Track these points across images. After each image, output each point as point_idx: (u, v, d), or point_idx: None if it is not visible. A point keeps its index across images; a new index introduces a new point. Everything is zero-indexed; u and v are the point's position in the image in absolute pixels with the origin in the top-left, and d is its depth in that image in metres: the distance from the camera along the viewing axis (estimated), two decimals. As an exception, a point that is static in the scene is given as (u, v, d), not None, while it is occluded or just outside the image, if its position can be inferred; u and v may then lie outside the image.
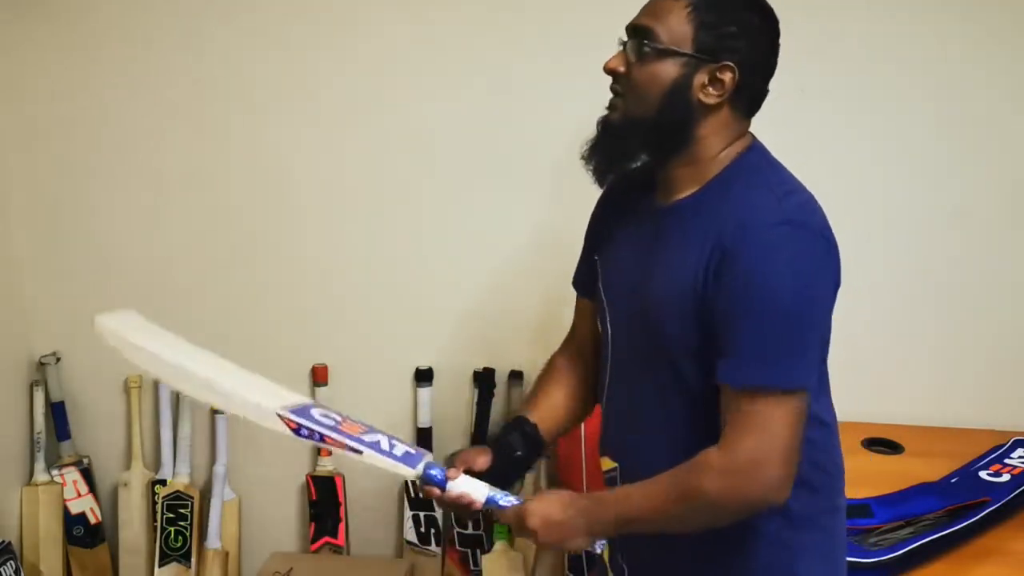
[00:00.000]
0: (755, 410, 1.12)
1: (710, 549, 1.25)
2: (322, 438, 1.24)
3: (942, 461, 1.87)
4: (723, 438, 1.14)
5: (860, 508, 1.61)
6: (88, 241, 2.35)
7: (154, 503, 2.38)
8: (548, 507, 1.22)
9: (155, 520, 2.37)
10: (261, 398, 1.28)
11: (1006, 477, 1.79)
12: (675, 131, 1.22)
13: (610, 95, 1.27)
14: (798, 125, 1.89)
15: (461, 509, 1.29)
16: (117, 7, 2.22)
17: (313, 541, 2.38)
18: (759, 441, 1.12)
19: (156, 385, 2.38)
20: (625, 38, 1.25)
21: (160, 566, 2.36)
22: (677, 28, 1.19)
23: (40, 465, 2.36)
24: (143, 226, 2.32)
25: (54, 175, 2.32)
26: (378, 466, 1.26)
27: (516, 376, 2.28)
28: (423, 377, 2.30)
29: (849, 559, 1.40)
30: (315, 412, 1.27)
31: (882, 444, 1.97)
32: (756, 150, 1.26)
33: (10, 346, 2.35)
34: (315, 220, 2.28)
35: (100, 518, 2.42)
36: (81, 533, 2.40)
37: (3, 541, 2.23)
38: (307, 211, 2.28)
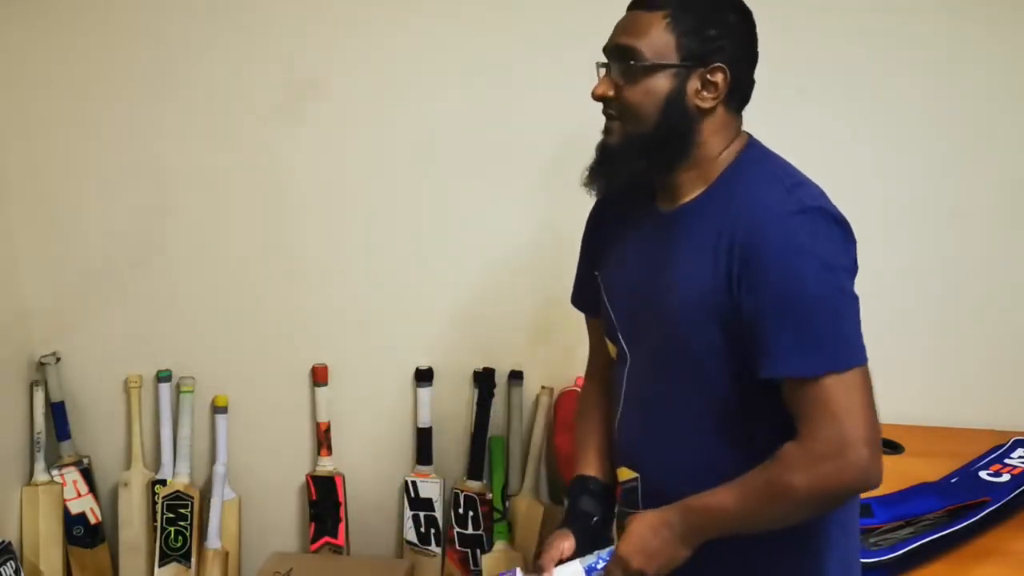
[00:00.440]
0: (825, 396, 1.11)
1: (734, 548, 1.24)
2: None
3: (942, 461, 1.87)
4: (800, 431, 1.14)
5: (860, 508, 1.60)
6: (88, 241, 2.35)
7: (154, 503, 2.38)
8: (641, 541, 1.21)
9: (155, 520, 2.37)
10: None
11: (1006, 477, 1.79)
12: (677, 141, 1.22)
13: (601, 118, 1.27)
14: (797, 125, 1.89)
15: None
16: (119, 9, 2.22)
17: (313, 541, 2.38)
18: (838, 425, 1.11)
19: (156, 385, 2.38)
20: (604, 61, 1.25)
21: (160, 566, 2.36)
22: (659, 41, 1.20)
23: (40, 465, 2.36)
24: (143, 227, 2.32)
25: (54, 175, 2.32)
26: None
27: (516, 376, 2.28)
28: (423, 377, 2.30)
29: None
30: None
31: (882, 444, 1.97)
32: (754, 146, 1.27)
33: (10, 346, 2.35)
34: (315, 220, 2.28)
35: (100, 518, 2.42)
36: (81, 533, 2.40)
37: (3, 541, 2.23)
38: (307, 211, 2.28)
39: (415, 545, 2.35)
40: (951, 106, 2.02)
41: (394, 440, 2.36)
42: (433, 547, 2.34)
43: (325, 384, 2.34)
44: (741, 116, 1.27)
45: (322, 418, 2.35)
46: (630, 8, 1.25)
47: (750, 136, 1.28)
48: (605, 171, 1.27)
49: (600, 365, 1.47)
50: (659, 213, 1.28)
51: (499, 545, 2.27)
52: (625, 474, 1.36)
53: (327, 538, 2.38)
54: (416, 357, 2.32)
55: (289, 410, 2.37)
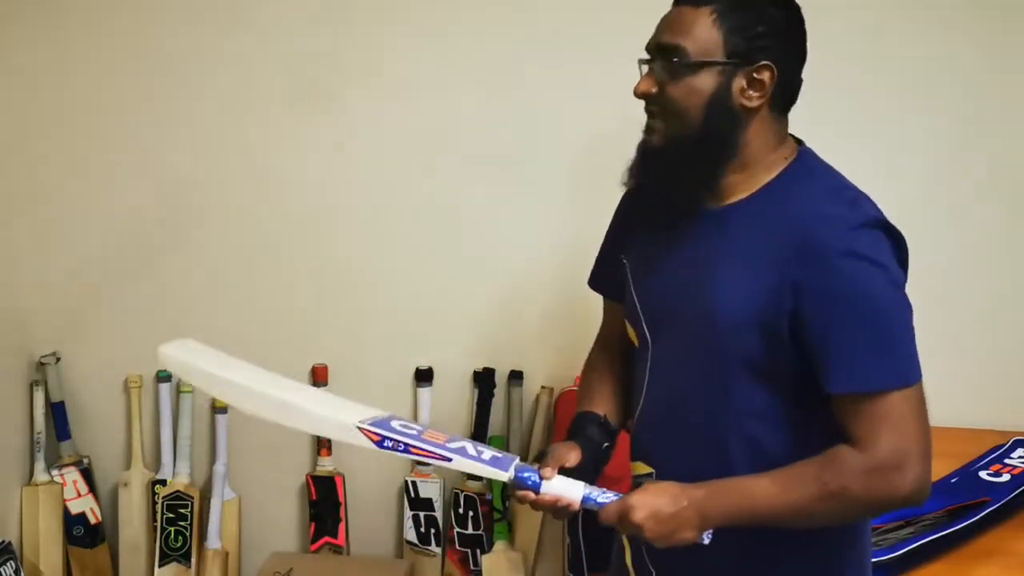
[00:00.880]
0: (886, 410, 1.12)
1: (749, 551, 1.24)
2: (407, 449, 1.21)
3: (942, 461, 1.84)
4: (858, 439, 1.13)
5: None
6: (89, 241, 2.35)
7: (154, 503, 2.38)
8: (656, 500, 1.15)
9: (155, 520, 2.37)
10: (339, 413, 1.26)
11: (1006, 477, 1.79)
12: (721, 141, 1.20)
13: (636, 104, 1.25)
14: (796, 125, 1.89)
15: (557, 511, 1.23)
16: (121, 10, 2.22)
17: (313, 541, 2.38)
18: (900, 439, 1.11)
19: (156, 385, 2.38)
20: (645, 58, 1.23)
21: (160, 566, 2.36)
22: (705, 38, 1.17)
23: (40, 465, 2.36)
24: (144, 227, 2.32)
25: (54, 175, 2.32)
26: (470, 472, 1.23)
27: (516, 376, 2.28)
28: (423, 377, 2.30)
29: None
30: (395, 424, 1.25)
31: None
32: (808, 154, 1.26)
33: (10, 346, 2.35)
34: (315, 220, 2.28)
35: (100, 518, 2.42)
36: (81, 533, 2.40)
37: (3, 541, 2.23)
38: (308, 211, 2.28)
39: (415, 545, 2.35)
40: (951, 106, 2.02)
41: (394, 440, 2.36)
42: (433, 547, 2.34)
43: (325, 384, 2.34)
44: (787, 117, 1.25)
45: (322, 418, 2.35)
46: (676, 3, 1.22)
47: (802, 142, 1.27)
48: (647, 171, 1.25)
49: (610, 341, 1.45)
50: (703, 209, 1.25)
51: (499, 545, 2.27)
52: (640, 468, 1.34)
53: (327, 538, 2.38)
54: (416, 357, 2.32)
55: (289, 410, 2.37)
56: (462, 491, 2.31)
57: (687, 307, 1.24)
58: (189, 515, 2.35)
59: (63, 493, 2.37)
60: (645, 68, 1.23)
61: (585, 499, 1.20)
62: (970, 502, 1.68)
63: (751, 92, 1.18)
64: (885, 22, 2.00)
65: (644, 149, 1.25)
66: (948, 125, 2.04)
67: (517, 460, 1.23)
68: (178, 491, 2.36)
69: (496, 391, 2.29)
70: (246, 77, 2.22)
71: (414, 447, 1.21)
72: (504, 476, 1.21)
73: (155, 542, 2.37)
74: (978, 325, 2.11)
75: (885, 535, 1.59)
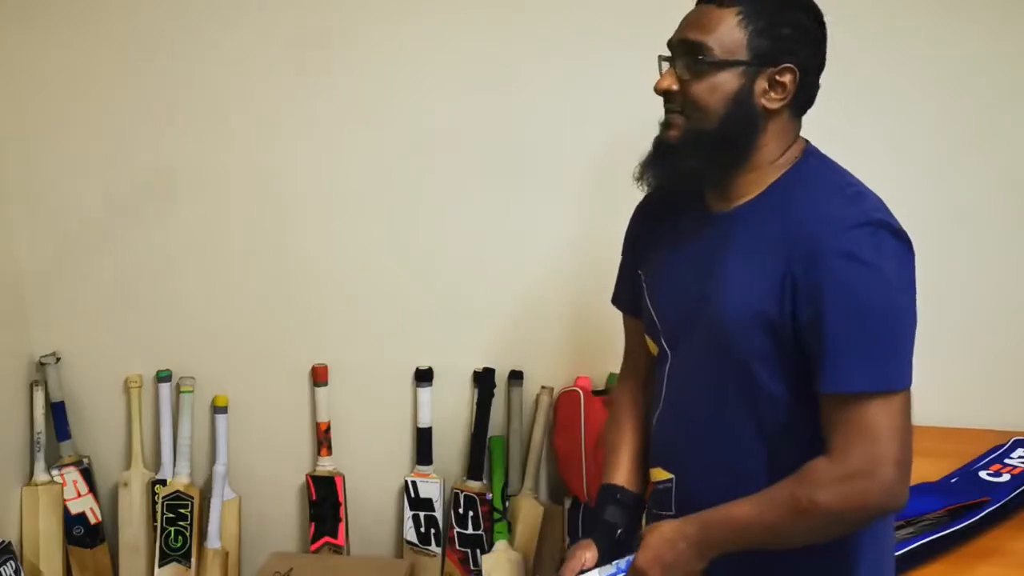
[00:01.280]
0: (862, 416, 1.10)
1: (765, 557, 1.23)
2: None
3: (942, 461, 1.86)
4: (832, 446, 1.12)
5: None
6: (88, 241, 2.35)
7: (154, 503, 2.38)
8: (658, 552, 1.20)
9: (155, 520, 2.37)
10: None
11: (1006, 477, 1.79)
12: (739, 141, 1.20)
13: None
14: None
15: None
16: (120, 9, 2.22)
17: (313, 541, 2.38)
18: (871, 446, 1.10)
19: (156, 385, 2.38)
20: (666, 55, 1.23)
21: (160, 566, 2.36)
22: (730, 37, 1.17)
23: (40, 465, 2.36)
24: (143, 226, 2.32)
25: (54, 175, 2.32)
26: None
27: (516, 376, 2.28)
28: (423, 377, 2.30)
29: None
30: None
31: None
32: (812, 153, 1.25)
33: (10, 346, 2.35)
34: (315, 220, 2.28)
35: (100, 518, 2.42)
36: (81, 533, 2.40)
37: (3, 541, 2.23)
38: (308, 211, 2.28)
39: (415, 545, 2.35)
40: (954, 105, 2.02)
41: (394, 440, 2.36)
42: (433, 547, 2.34)
43: (325, 384, 2.34)
44: (801, 121, 1.25)
45: (322, 418, 2.35)
46: (700, 2, 1.22)
47: (807, 141, 1.27)
48: (662, 166, 1.24)
49: (635, 368, 1.45)
50: (710, 214, 1.26)
51: (499, 545, 2.27)
52: (659, 475, 1.34)
53: (327, 538, 2.38)
54: (416, 357, 2.31)
55: (289, 410, 2.37)
56: (462, 491, 2.31)
57: (698, 313, 1.24)
58: (189, 515, 2.35)
59: (63, 493, 2.37)
60: (666, 65, 1.23)
61: None
62: (970, 502, 1.68)
63: (772, 94, 1.19)
64: (886, 20, 2.00)
65: (660, 144, 1.25)
66: (950, 124, 2.03)
67: None
68: (178, 491, 2.36)
69: (496, 391, 2.29)
70: (246, 77, 2.22)
71: None
72: None
73: (155, 542, 2.37)
74: (978, 325, 2.11)
75: (885, 535, 1.59)
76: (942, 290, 2.09)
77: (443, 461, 2.34)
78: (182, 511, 2.35)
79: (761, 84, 1.18)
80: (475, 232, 2.23)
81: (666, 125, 1.24)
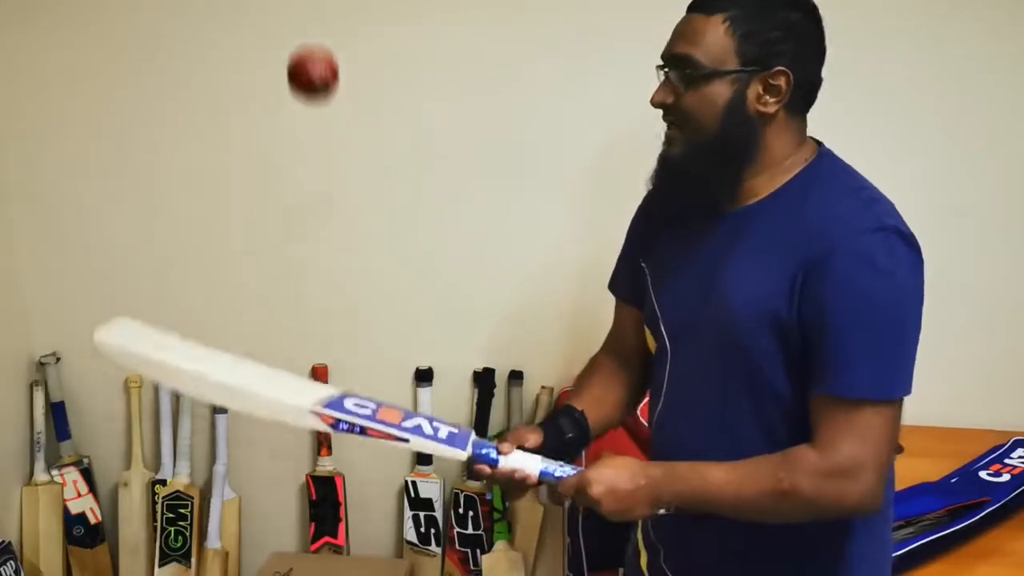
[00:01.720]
0: (857, 418, 1.11)
1: (764, 555, 1.24)
2: (363, 431, 1.18)
3: (942, 461, 1.87)
4: (820, 440, 1.13)
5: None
6: (88, 241, 2.35)
7: (154, 503, 2.38)
8: (613, 476, 1.17)
9: (155, 520, 2.37)
10: (291, 397, 1.24)
11: (1006, 477, 1.79)
12: (740, 148, 1.19)
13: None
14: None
15: (514, 485, 1.23)
16: (120, 9, 2.21)
17: (313, 541, 2.38)
18: (860, 448, 1.11)
19: (156, 385, 2.38)
20: (661, 66, 1.22)
21: (160, 566, 2.36)
22: (718, 46, 1.16)
23: (40, 465, 2.36)
24: (143, 226, 2.32)
25: (54, 175, 2.32)
26: (427, 452, 1.22)
27: (516, 376, 2.28)
28: (423, 377, 2.30)
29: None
30: (349, 403, 1.21)
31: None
32: (827, 155, 1.24)
33: (10, 346, 2.35)
34: (315, 220, 2.28)
35: (100, 518, 2.42)
36: (81, 533, 2.40)
37: (3, 541, 2.23)
38: (308, 211, 2.28)
39: (415, 545, 2.35)
40: (955, 104, 2.02)
41: (394, 440, 2.36)
42: (433, 547, 2.34)
43: (325, 384, 2.33)
44: (805, 117, 1.24)
45: (322, 418, 2.35)
46: (689, 9, 1.21)
47: (821, 143, 1.26)
48: (669, 182, 1.25)
49: (618, 346, 1.44)
50: (721, 212, 1.25)
51: (499, 545, 2.27)
52: None
53: (327, 538, 2.38)
54: (416, 357, 2.32)
55: (289, 410, 2.37)
56: (462, 491, 2.31)
57: (705, 310, 1.23)
58: (189, 515, 2.35)
59: (63, 493, 2.37)
60: (663, 76, 1.22)
61: (543, 473, 1.20)
62: (970, 502, 1.68)
63: (767, 98, 1.17)
64: (886, 20, 2.00)
65: (664, 159, 1.25)
66: (952, 124, 2.04)
67: (474, 435, 1.22)
68: (178, 491, 2.36)
69: (496, 391, 2.29)
70: (246, 77, 2.21)
71: (370, 429, 1.19)
72: (462, 455, 1.20)
73: (155, 542, 2.37)
74: (979, 325, 2.11)
75: (885, 535, 1.60)
76: (942, 290, 2.06)
77: (443, 461, 2.34)
78: (182, 511, 2.35)
79: (755, 90, 1.17)
80: (475, 232, 2.23)
81: (667, 140, 1.24)
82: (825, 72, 1.24)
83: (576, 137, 2.12)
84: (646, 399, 1.43)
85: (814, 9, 1.21)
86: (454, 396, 2.32)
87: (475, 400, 2.30)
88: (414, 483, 2.33)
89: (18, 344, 2.37)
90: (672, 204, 1.29)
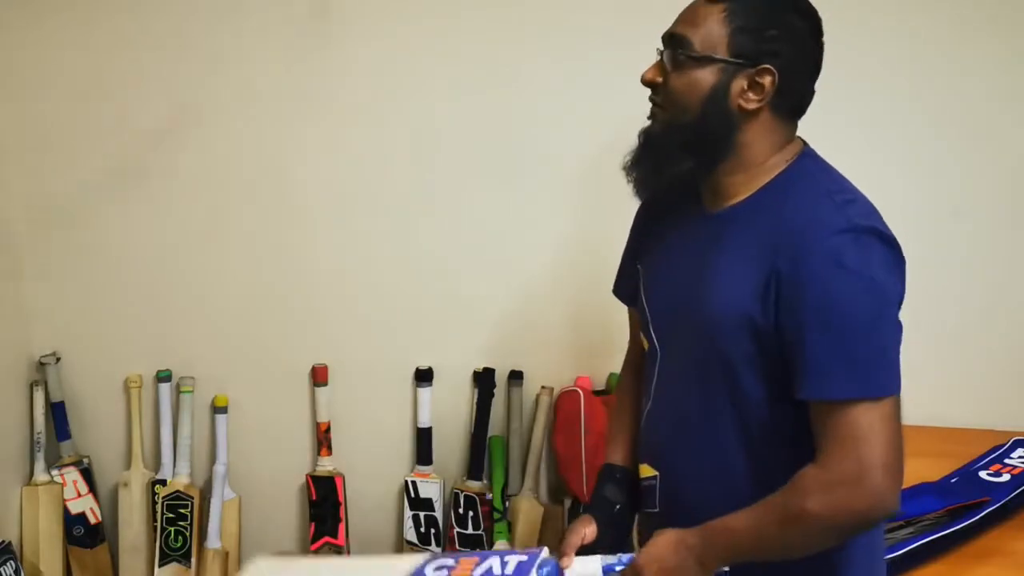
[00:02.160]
0: (849, 422, 1.10)
1: (751, 563, 1.23)
2: None
3: (942, 461, 1.87)
4: (820, 454, 1.12)
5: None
6: (88, 241, 2.35)
7: (154, 503, 2.38)
8: (660, 555, 1.20)
9: (155, 520, 2.37)
10: None
11: (1006, 477, 1.79)
12: (716, 139, 1.19)
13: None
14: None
15: None
16: (122, 9, 2.22)
17: (313, 541, 2.38)
18: (858, 452, 1.09)
19: (156, 385, 2.38)
20: (661, 47, 1.23)
21: (160, 566, 2.36)
22: (713, 34, 1.17)
23: (40, 465, 2.36)
24: (143, 226, 2.32)
25: (54, 175, 2.32)
26: None
27: (516, 376, 2.28)
28: (423, 377, 2.30)
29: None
30: (429, 569, 1.25)
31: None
32: (808, 156, 1.24)
33: (10, 346, 2.35)
34: (315, 220, 2.28)
35: (100, 518, 2.42)
36: (81, 533, 2.40)
37: (3, 541, 2.23)
38: (308, 211, 2.28)
39: (415, 545, 2.35)
40: (951, 104, 2.02)
41: (394, 440, 2.36)
42: (433, 547, 2.34)
43: (325, 384, 2.34)
44: (794, 125, 1.24)
45: (322, 418, 2.35)
46: None
47: (805, 145, 1.26)
48: (646, 158, 1.25)
49: (636, 356, 1.46)
50: (705, 214, 1.26)
51: (499, 545, 2.27)
52: (645, 471, 1.35)
53: (327, 538, 2.38)
54: (416, 357, 2.32)
55: (289, 410, 2.37)
56: (462, 491, 2.31)
57: (687, 312, 1.24)
58: (189, 515, 2.35)
59: (63, 493, 2.37)
60: (658, 55, 1.24)
61: (605, 570, 1.26)
62: (970, 502, 1.68)
63: (750, 94, 1.17)
64: (885, 20, 2.00)
65: (644, 134, 1.26)
66: (948, 123, 2.04)
67: (543, 555, 1.26)
68: (178, 491, 2.36)
69: (496, 391, 2.29)
70: (246, 77, 2.22)
71: None
72: None
73: (155, 542, 2.37)
74: (978, 325, 2.11)
75: (885, 535, 1.59)
76: (942, 289, 2.09)
77: (443, 461, 2.34)
78: (182, 511, 2.35)
79: (739, 83, 1.17)
80: (475, 232, 2.23)
81: (650, 115, 1.25)
82: (824, 72, 1.24)
83: (577, 137, 2.12)
84: None
85: (818, 23, 1.21)
86: (454, 396, 2.32)
87: (475, 400, 2.30)
88: (414, 483, 2.33)
89: (18, 344, 2.37)
90: (646, 184, 1.29)
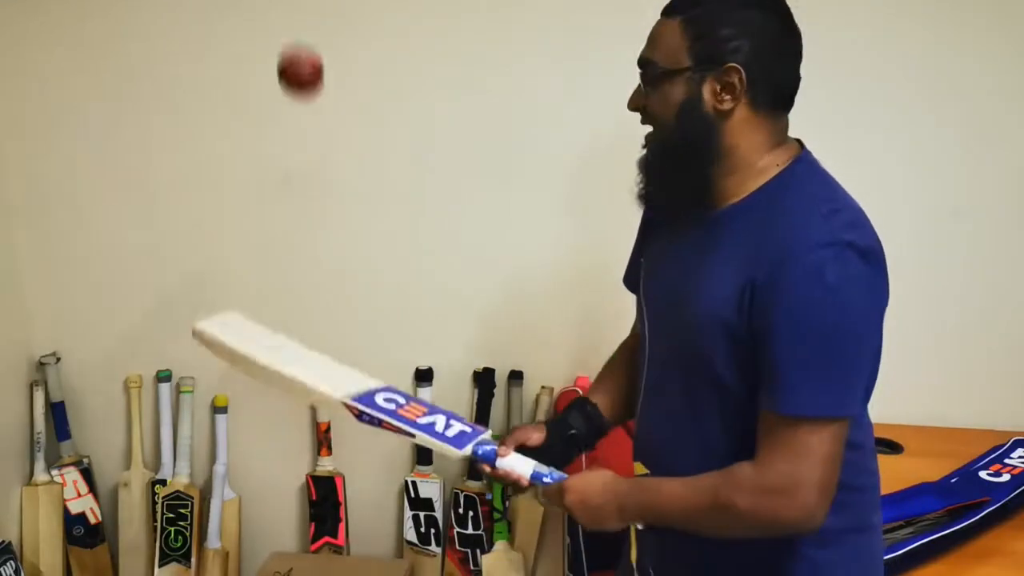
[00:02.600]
0: (794, 436, 1.11)
1: (737, 562, 1.24)
2: (380, 423, 1.31)
3: (942, 461, 1.87)
4: (759, 456, 1.13)
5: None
6: (88, 241, 2.35)
7: (154, 503, 2.38)
8: (587, 487, 1.25)
9: (155, 520, 2.37)
10: (330, 386, 1.39)
11: (1006, 477, 1.79)
12: (702, 144, 1.20)
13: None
14: (796, 123, 1.89)
15: (510, 484, 1.33)
16: (120, 6, 2.21)
17: (313, 541, 2.38)
18: (796, 466, 1.11)
19: (156, 385, 2.39)
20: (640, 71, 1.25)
21: (160, 566, 2.36)
22: (672, 47, 1.19)
23: (40, 465, 2.36)
24: (144, 226, 2.32)
25: (54, 174, 2.32)
26: (429, 447, 1.33)
27: (516, 376, 2.28)
28: (423, 377, 2.30)
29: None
30: (379, 397, 1.34)
31: (882, 444, 1.97)
32: (804, 161, 1.24)
33: (10, 346, 2.35)
34: (316, 220, 2.28)
35: (100, 518, 2.42)
36: (81, 533, 2.40)
37: (3, 541, 2.23)
38: (308, 211, 2.28)
39: (415, 545, 2.35)
40: (953, 104, 2.02)
41: (394, 440, 2.34)
42: (433, 547, 2.34)
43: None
44: (782, 117, 1.24)
45: (322, 418, 2.35)
46: (661, 15, 1.24)
47: (803, 149, 1.25)
48: (647, 184, 1.28)
49: (634, 340, 1.48)
50: (703, 214, 1.26)
51: (499, 545, 2.27)
52: (638, 469, 1.36)
53: (327, 538, 2.38)
54: (416, 357, 2.32)
55: (289, 410, 2.37)
56: (462, 491, 2.31)
57: (675, 310, 1.25)
58: (189, 515, 2.35)
59: (63, 493, 2.37)
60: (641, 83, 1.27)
61: (534, 476, 1.30)
62: (970, 502, 1.68)
63: (724, 95, 1.18)
64: (887, 19, 2.00)
65: (642, 162, 1.28)
66: (950, 123, 2.03)
67: (484, 435, 1.33)
68: (178, 491, 2.36)
69: (496, 391, 2.29)
70: (246, 77, 2.21)
71: (385, 423, 1.31)
72: (461, 454, 1.30)
73: (155, 542, 2.37)
74: (978, 325, 2.11)
75: (885, 535, 1.59)
76: (942, 289, 2.09)
77: (443, 461, 2.34)
78: (182, 511, 2.35)
79: (710, 87, 1.18)
80: (475, 232, 2.23)
81: (644, 143, 1.28)
82: (823, 73, 1.24)
83: (577, 137, 2.12)
84: None
85: (778, 7, 1.20)
86: (454, 396, 2.32)
87: (475, 400, 2.30)
88: (414, 483, 2.33)
89: (18, 344, 2.37)
90: (656, 207, 1.33)
